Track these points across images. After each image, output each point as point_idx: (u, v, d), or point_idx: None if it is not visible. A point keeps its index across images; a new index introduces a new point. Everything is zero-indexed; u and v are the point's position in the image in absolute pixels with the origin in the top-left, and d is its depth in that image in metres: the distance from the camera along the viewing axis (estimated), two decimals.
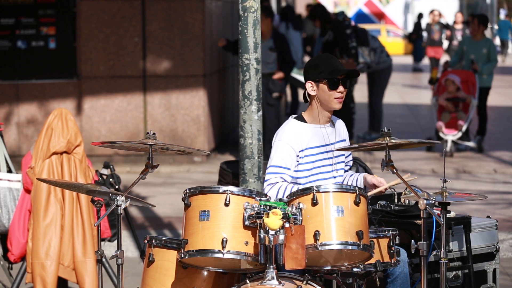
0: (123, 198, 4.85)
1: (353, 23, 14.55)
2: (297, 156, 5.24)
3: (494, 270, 6.19)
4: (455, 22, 12.15)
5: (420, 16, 32.02)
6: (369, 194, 5.15)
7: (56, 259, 6.29)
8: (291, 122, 5.34)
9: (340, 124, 5.50)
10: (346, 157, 5.49)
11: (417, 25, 31.43)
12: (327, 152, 5.32)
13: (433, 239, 5.31)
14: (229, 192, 4.68)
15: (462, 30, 19.25)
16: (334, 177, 5.34)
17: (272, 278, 4.56)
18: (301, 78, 14.25)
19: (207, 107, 12.73)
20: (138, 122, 12.52)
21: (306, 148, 5.26)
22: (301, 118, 5.35)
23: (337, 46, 13.35)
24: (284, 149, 5.23)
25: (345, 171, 5.52)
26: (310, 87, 5.29)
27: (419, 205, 4.83)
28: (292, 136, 5.26)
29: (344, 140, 5.46)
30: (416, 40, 30.79)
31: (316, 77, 5.25)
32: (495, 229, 6.21)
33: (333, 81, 5.22)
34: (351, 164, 5.61)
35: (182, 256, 4.70)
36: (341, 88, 5.24)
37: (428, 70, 27.10)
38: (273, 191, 5.17)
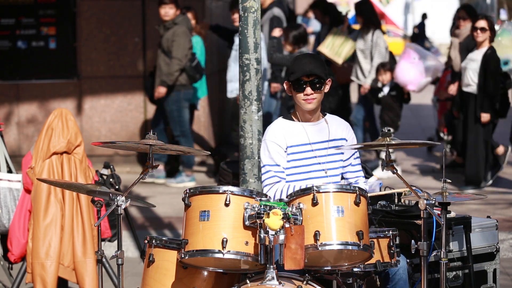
0: (123, 198, 4.85)
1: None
2: (285, 152, 5.27)
3: (494, 270, 6.18)
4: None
5: (424, 16, 31.80)
6: None
7: (56, 259, 6.28)
8: (277, 120, 5.41)
9: (338, 123, 5.44)
10: (346, 160, 5.43)
11: (421, 25, 31.26)
12: (313, 150, 5.32)
13: (433, 239, 5.31)
14: (229, 192, 4.68)
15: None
16: (327, 177, 5.32)
17: (272, 278, 4.56)
18: None
19: (207, 107, 12.73)
20: (138, 122, 12.52)
21: (291, 146, 5.28)
22: (288, 117, 5.39)
23: None
24: (270, 147, 5.28)
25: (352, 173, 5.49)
26: (287, 88, 5.32)
27: (419, 205, 4.83)
28: (276, 133, 5.30)
29: (344, 140, 5.41)
30: (417, 41, 30.71)
31: (288, 77, 5.28)
32: (495, 229, 6.21)
33: (297, 83, 5.21)
34: (358, 169, 5.48)
35: (183, 256, 4.70)
36: (308, 91, 5.21)
37: None
38: (271, 192, 5.19)
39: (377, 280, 5.02)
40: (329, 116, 5.44)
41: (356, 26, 21.12)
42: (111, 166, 7.07)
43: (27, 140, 12.45)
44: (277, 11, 11.15)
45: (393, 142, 4.80)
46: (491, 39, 10.56)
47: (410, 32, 41.83)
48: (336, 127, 5.41)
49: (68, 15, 12.47)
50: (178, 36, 10.88)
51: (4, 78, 12.47)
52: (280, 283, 4.56)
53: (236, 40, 10.85)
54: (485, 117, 10.48)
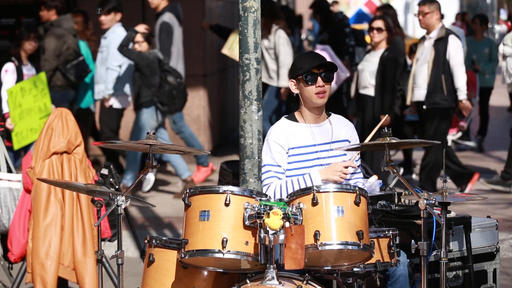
0: (123, 198, 4.85)
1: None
2: (287, 153, 5.26)
3: (494, 270, 6.19)
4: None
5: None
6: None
7: (56, 259, 6.28)
8: (281, 121, 5.39)
9: (342, 124, 5.44)
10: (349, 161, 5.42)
11: None
12: (316, 152, 5.31)
13: (433, 239, 5.31)
14: (229, 192, 4.68)
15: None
16: None
17: (272, 278, 4.56)
18: None
19: (207, 107, 12.73)
20: None
21: (294, 147, 5.27)
22: (292, 117, 5.37)
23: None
24: (272, 147, 5.27)
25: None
26: (293, 85, 5.31)
27: (419, 205, 4.83)
28: (279, 134, 5.29)
29: (347, 141, 5.40)
30: None
31: (295, 74, 5.26)
32: (495, 229, 6.21)
33: (308, 76, 5.20)
34: (357, 171, 5.49)
35: (183, 256, 4.70)
36: (320, 82, 5.21)
37: None
38: (270, 191, 5.19)
39: (377, 280, 5.01)
40: (333, 117, 5.43)
41: (357, 26, 20.99)
42: (111, 166, 7.08)
43: None
44: (168, 17, 10.95)
45: (393, 141, 4.80)
46: (389, 40, 10.34)
47: (410, 32, 41.73)
48: (340, 129, 5.40)
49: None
50: (49, 38, 11.00)
51: None
52: (280, 283, 4.56)
53: (103, 41, 10.86)
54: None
